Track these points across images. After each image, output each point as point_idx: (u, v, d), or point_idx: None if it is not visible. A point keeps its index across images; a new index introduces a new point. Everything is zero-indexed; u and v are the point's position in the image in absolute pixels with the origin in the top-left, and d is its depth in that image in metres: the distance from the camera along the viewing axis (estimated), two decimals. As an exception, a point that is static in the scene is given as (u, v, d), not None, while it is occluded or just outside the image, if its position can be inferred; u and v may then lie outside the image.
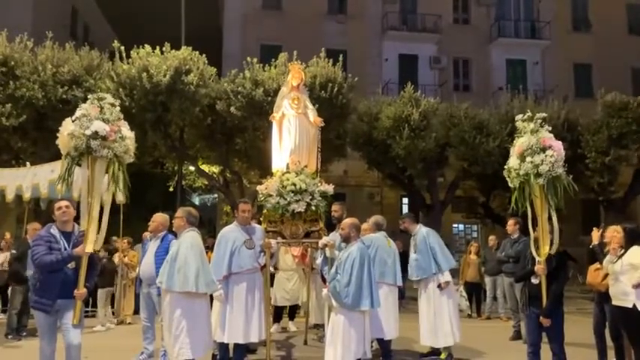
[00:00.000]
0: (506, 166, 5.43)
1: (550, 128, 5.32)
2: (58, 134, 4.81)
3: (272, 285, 7.87)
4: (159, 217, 6.28)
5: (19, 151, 12.25)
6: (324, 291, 5.17)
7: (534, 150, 5.12)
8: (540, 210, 5.18)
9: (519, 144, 5.26)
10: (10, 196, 9.02)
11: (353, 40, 21.28)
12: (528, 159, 5.12)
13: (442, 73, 22.11)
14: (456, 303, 6.91)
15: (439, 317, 6.39)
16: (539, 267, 5.11)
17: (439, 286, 6.42)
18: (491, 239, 10.60)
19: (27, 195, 8.91)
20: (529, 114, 5.37)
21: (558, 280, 5.16)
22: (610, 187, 14.07)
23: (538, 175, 5.07)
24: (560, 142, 5.29)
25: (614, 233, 5.39)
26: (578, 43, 22.79)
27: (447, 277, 6.46)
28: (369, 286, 4.92)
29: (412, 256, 6.61)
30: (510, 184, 5.41)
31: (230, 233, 5.95)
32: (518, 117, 5.43)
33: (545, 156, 5.07)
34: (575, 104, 15.31)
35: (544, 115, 5.39)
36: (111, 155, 4.69)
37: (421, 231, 6.63)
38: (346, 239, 5.16)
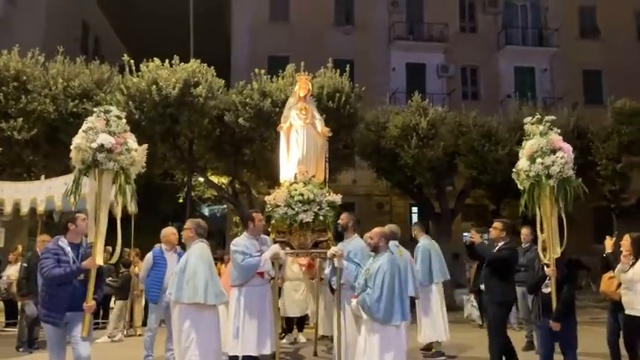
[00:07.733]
0: (515, 169, 5.40)
1: (559, 131, 5.31)
2: (71, 147, 4.85)
3: (280, 296, 7.84)
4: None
5: (31, 165, 12.37)
6: (353, 302, 5.06)
7: (545, 151, 5.11)
8: (549, 212, 5.15)
9: (529, 146, 5.25)
10: (24, 209, 9.10)
11: (360, 50, 21.30)
12: (539, 160, 5.10)
13: (450, 81, 22.06)
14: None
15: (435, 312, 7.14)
16: (550, 270, 5.05)
17: None
18: (502, 248, 10.47)
19: (41, 208, 8.98)
20: (538, 116, 5.37)
21: (568, 286, 5.10)
22: (622, 194, 13.94)
23: (549, 176, 5.05)
24: (569, 145, 5.28)
25: (625, 242, 5.34)
26: (586, 50, 22.63)
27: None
28: (400, 299, 4.83)
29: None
30: (520, 186, 5.38)
31: (244, 243, 5.91)
32: (527, 119, 5.44)
33: (556, 157, 5.06)
34: (584, 111, 15.14)
35: (553, 117, 5.40)
36: (117, 168, 4.71)
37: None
38: (375, 249, 5.08)
